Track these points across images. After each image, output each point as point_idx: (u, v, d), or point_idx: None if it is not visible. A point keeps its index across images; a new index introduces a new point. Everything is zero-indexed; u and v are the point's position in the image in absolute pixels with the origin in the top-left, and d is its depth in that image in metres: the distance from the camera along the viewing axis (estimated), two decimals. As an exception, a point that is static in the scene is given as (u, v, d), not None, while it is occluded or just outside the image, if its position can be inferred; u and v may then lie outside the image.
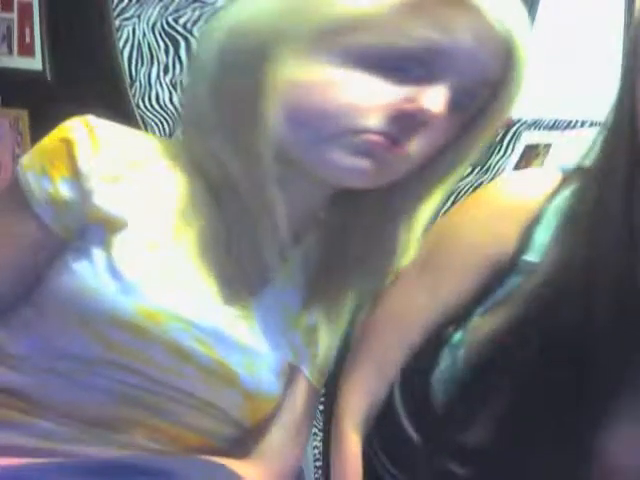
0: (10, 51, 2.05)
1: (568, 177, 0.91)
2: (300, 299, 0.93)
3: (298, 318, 0.92)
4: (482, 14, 0.80)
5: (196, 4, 1.91)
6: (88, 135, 0.85)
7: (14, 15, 2.04)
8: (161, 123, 1.98)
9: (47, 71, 2.00)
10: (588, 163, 0.88)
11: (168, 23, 1.94)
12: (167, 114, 1.98)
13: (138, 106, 1.95)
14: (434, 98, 0.80)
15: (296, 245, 0.93)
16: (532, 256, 0.87)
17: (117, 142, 0.87)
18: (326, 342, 0.94)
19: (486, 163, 1.85)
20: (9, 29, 2.05)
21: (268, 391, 0.89)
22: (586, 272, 0.81)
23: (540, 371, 0.82)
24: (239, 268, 0.87)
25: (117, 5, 1.92)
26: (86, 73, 1.96)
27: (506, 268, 0.88)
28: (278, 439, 0.93)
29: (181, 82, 1.95)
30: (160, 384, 0.84)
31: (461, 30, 0.81)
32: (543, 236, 0.87)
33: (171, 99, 1.97)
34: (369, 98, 0.81)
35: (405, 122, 0.81)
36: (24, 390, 0.83)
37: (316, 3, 0.82)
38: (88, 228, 0.84)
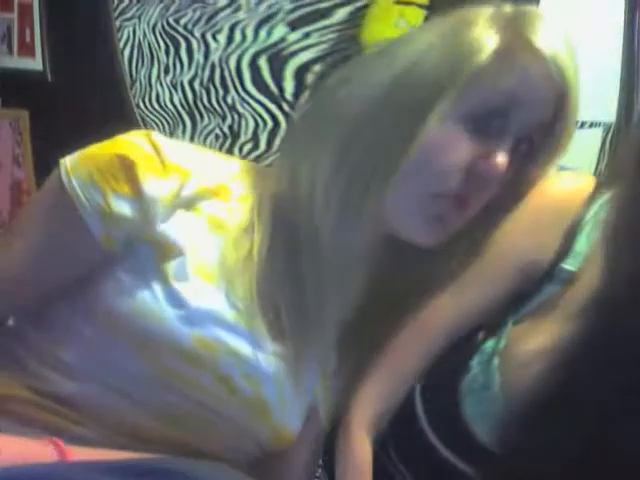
0: (10, 51, 2.05)
1: (602, 183, 0.89)
2: (332, 344, 0.92)
3: (326, 363, 0.93)
4: (546, 61, 0.81)
5: (197, 4, 1.92)
6: (155, 155, 0.81)
7: (14, 15, 2.04)
8: (161, 123, 1.98)
9: (47, 71, 2.01)
10: (616, 169, 0.87)
11: (169, 24, 1.95)
12: (167, 114, 1.98)
13: (138, 106, 1.95)
14: (504, 153, 0.81)
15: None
16: (570, 264, 0.85)
17: (188, 165, 0.83)
18: (339, 390, 0.95)
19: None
20: (9, 29, 2.05)
21: (291, 427, 0.91)
22: (632, 285, 0.78)
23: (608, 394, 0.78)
24: (294, 308, 0.87)
25: (117, 5, 1.92)
26: (86, 73, 1.97)
27: (542, 274, 0.86)
28: (295, 470, 0.97)
29: (182, 82, 1.96)
30: (202, 407, 0.85)
31: (532, 78, 0.81)
32: (583, 244, 0.85)
33: (171, 99, 1.98)
34: (460, 158, 0.81)
35: (477, 180, 0.81)
36: (72, 398, 0.83)
37: (468, 51, 0.81)
38: (141, 248, 0.82)
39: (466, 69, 0.80)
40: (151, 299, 0.81)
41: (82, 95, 1.95)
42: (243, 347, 0.84)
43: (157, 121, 1.97)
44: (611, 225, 0.84)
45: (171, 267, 0.82)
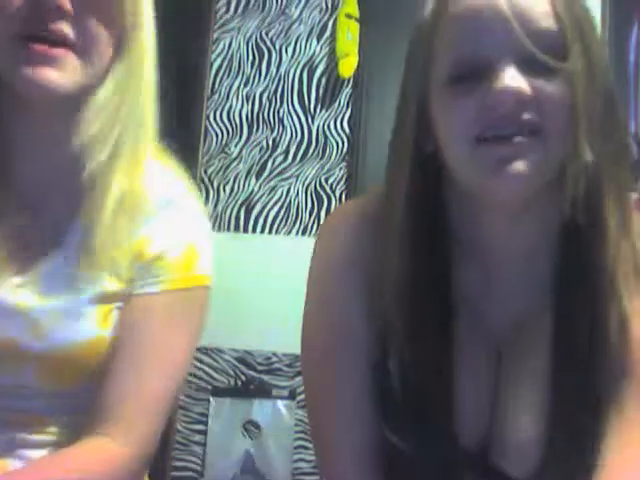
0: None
1: None
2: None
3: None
4: None
5: (282, 17, 2.03)
6: None
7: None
8: (221, 134, 2.03)
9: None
10: None
11: (261, 36, 2.03)
12: (231, 126, 2.03)
13: (208, 118, 2.02)
14: None
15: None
16: None
17: None
18: (126, 244, 0.79)
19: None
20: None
21: (73, 341, 0.76)
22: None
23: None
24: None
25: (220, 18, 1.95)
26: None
27: None
28: (133, 375, 0.78)
29: (254, 94, 2.02)
30: None
31: None
32: None
33: (241, 111, 2.03)
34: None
35: (39, 21, 0.73)
36: None
37: None
38: None
39: None
40: None
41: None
42: None
43: (218, 132, 2.02)
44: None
45: None
